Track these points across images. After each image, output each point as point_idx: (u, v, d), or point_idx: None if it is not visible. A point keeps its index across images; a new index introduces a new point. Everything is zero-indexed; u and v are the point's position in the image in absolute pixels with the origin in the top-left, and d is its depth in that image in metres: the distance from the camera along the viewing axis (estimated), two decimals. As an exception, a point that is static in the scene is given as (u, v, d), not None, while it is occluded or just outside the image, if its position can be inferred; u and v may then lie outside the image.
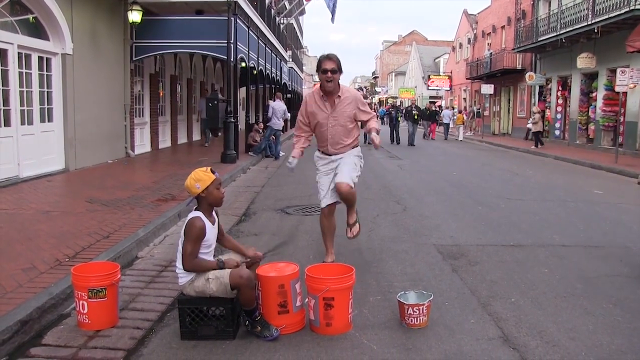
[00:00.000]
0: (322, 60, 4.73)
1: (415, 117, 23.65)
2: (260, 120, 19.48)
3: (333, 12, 27.40)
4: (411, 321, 3.67)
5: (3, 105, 9.09)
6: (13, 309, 3.56)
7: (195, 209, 3.57)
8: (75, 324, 3.66)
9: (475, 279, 4.79)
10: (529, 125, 22.85)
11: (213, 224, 3.61)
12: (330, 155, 4.95)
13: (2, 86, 9.06)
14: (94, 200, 7.55)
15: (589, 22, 18.17)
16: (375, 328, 3.69)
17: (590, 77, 20.99)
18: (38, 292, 3.88)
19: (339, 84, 4.78)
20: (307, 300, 3.65)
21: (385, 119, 36.64)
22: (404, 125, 25.75)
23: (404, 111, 26.52)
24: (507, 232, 6.61)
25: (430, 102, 43.78)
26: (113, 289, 3.64)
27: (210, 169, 3.56)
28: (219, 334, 3.48)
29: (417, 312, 3.66)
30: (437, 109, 33.86)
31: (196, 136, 20.65)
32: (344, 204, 5.04)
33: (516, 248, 5.88)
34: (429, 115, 28.18)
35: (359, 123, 5.03)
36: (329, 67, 4.63)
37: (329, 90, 4.73)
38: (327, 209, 4.97)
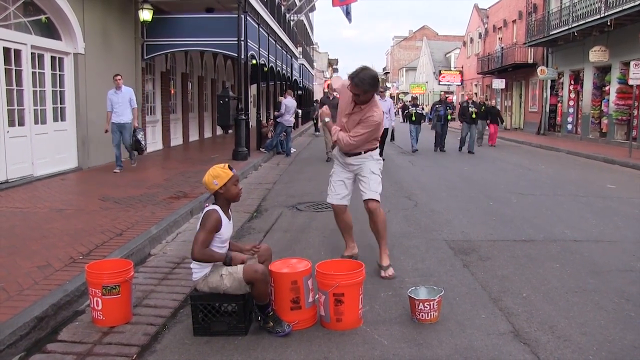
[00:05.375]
0: (351, 81, 4.56)
1: (474, 115, 17.75)
2: (271, 118, 19.52)
3: (348, 16, 27.30)
4: (422, 316, 3.68)
5: (17, 105, 9.21)
6: (29, 305, 3.63)
7: (213, 204, 3.61)
8: (89, 320, 3.72)
9: (486, 274, 4.79)
10: None
11: (229, 220, 3.64)
12: (346, 154, 4.90)
13: (16, 86, 9.17)
14: (107, 198, 7.63)
15: (602, 15, 17.98)
16: (386, 323, 3.71)
17: (603, 71, 20.79)
18: (53, 289, 3.94)
19: (370, 98, 4.64)
20: (317, 296, 3.68)
21: (428, 117, 27.99)
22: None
23: (460, 108, 19.24)
24: (518, 227, 6.59)
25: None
26: (126, 286, 3.68)
27: (228, 166, 3.58)
28: (232, 330, 3.52)
29: (428, 307, 3.67)
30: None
31: (208, 133, 20.73)
32: (373, 233, 4.93)
33: (527, 243, 5.86)
34: (486, 113, 19.62)
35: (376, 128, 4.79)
36: (353, 92, 4.55)
37: (358, 101, 4.67)
38: (335, 207, 5.00)
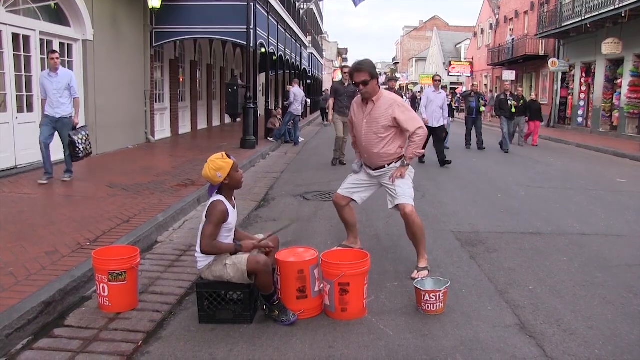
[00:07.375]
0: (351, 72, 4.56)
1: (513, 110, 15.48)
2: (279, 106, 19.47)
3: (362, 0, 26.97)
4: (428, 307, 3.67)
5: (26, 92, 9.23)
6: (37, 290, 3.65)
7: (217, 194, 3.60)
8: (96, 306, 3.74)
9: (493, 266, 4.77)
10: None
11: (234, 208, 3.64)
12: (369, 167, 4.71)
13: (25, 72, 9.19)
14: (115, 185, 7.65)
15: (616, 6, 17.73)
16: (391, 314, 3.71)
17: (616, 63, 20.55)
18: (60, 275, 3.96)
19: (377, 88, 4.55)
20: (322, 285, 3.68)
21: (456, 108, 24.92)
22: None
23: (496, 101, 16.75)
24: (526, 220, 6.55)
25: (451, 88, 42.92)
26: (133, 273, 3.70)
27: (225, 154, 3.56)
28: (237, 318, 3.53)
29: (434, 298, 3.66)
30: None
31: (216, 121, 20.73)
32: (409, 238, 4.69)
33: (535, 236, 5.82)
34: (524, 108, 16.45)
35: (404, 133, 4.56)
36: (358, 80, 4.47)
37: (364, 96, 4.57)
38: (335, 197, 4.90)
